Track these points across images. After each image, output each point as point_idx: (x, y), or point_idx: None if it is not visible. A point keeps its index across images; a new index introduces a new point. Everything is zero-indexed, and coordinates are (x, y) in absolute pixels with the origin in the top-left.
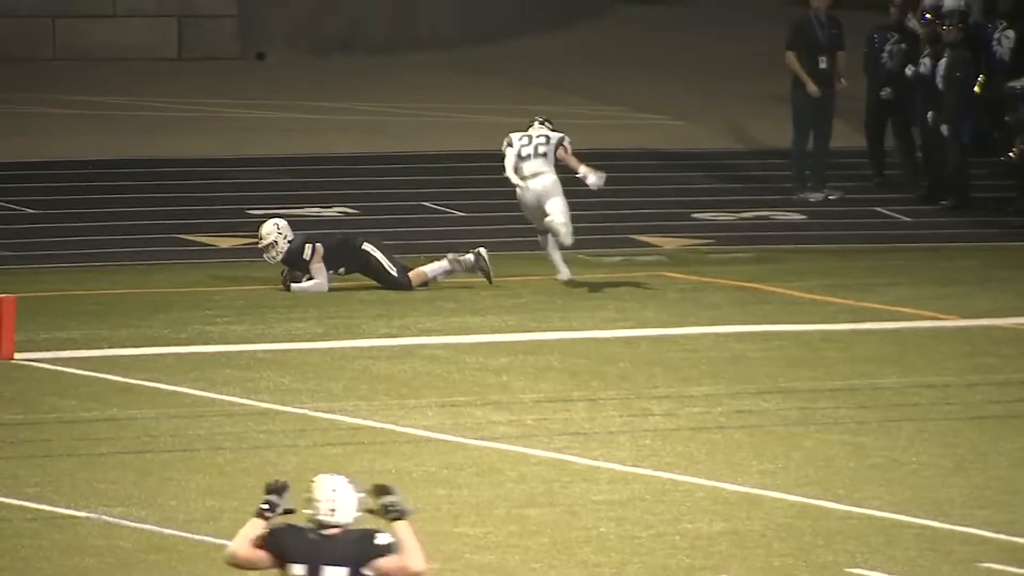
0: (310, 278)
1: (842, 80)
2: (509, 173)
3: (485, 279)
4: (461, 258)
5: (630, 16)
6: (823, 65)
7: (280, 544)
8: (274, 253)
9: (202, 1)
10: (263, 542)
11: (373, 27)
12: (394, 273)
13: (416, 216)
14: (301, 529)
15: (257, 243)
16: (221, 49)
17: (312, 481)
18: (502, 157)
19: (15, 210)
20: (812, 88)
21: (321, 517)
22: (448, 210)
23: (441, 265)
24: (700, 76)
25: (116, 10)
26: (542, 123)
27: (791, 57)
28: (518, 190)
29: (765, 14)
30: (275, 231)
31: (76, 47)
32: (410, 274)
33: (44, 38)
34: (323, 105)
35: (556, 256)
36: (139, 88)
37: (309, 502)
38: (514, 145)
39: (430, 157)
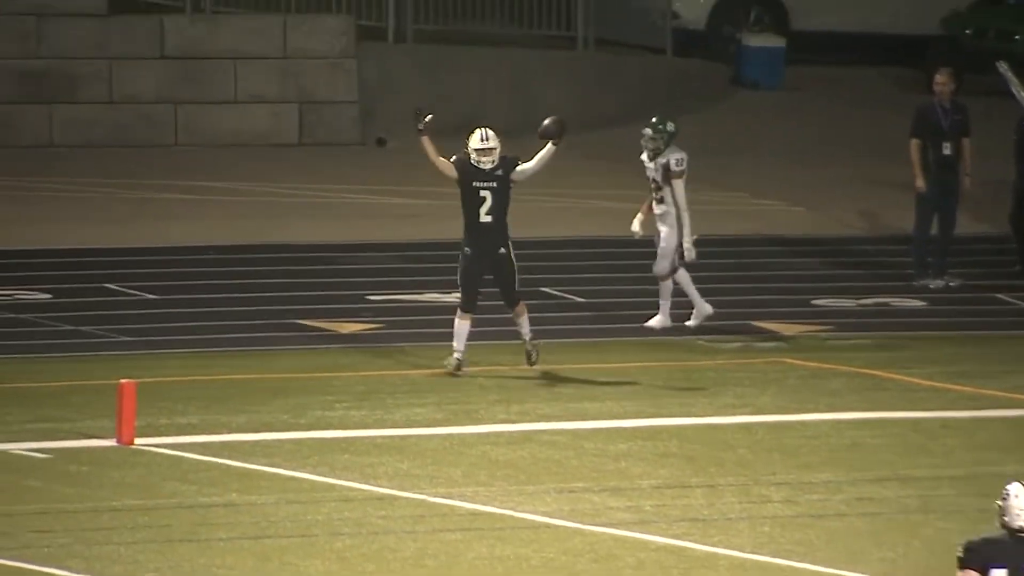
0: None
1: (968, 177)
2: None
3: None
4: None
5: (749, 101)
6: (947, 151)
7: (981, 556)
8: (493, 158)
9: (323, 87)
10: (968, 563)
11: (493, 112)
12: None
13: (537, 302)
14: (995, 538)
15: (478, 144)
16: (341, 135)
17: (1005, 489)
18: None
19: (136, 295)
20: (920, 184)
21: (1020, 523)
22: (569, 296)
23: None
24: (821, 161)
25: (237, 96)
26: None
27: (914, 146)
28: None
29: (886, 99)
30: (497, 139)
31: (198, 133)
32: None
33: (166, 124)
34: (443, 191)
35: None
36: (260, 173)
37: (1004, 511)
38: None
39: (550, 243)
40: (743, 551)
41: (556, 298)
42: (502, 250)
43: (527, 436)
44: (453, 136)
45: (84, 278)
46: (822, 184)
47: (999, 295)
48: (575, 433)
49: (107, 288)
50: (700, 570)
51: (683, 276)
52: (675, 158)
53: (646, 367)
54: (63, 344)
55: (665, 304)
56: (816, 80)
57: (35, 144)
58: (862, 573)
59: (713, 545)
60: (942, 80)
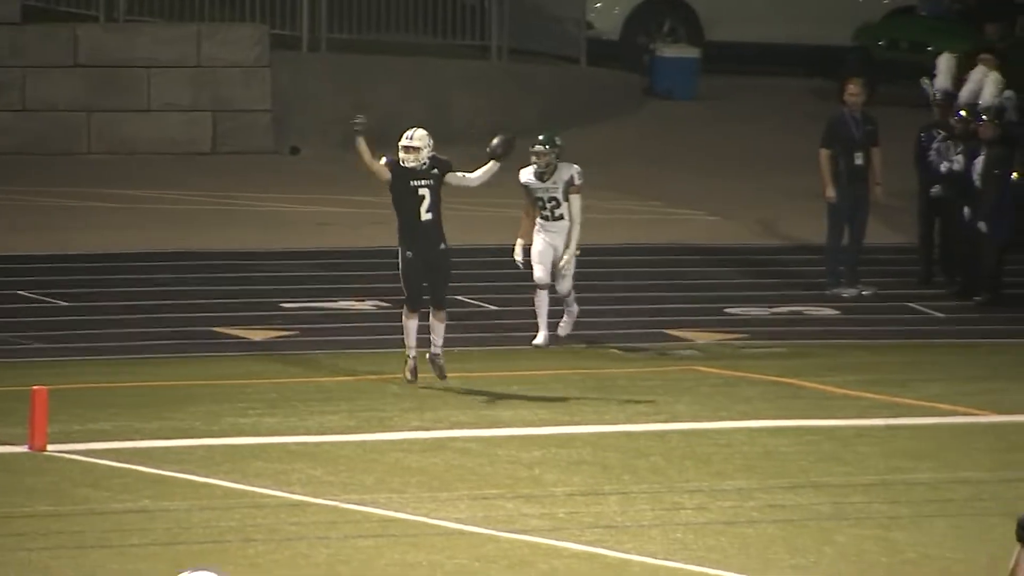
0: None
1: (878, 185)
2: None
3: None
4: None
5: (664, 111)
6: (859, 161)
7: None
8: (417, 157)
9: (237, 96)
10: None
11: (408, 121)
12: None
13: (451, 310)
14: None
15: (404, 142)
16: (255, 143)
17: None
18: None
19: (48, 303)
20: (830, 193)
21: None
22: (482, 304)
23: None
24: (735, 172)
25: (151, 104)
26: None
27: (824, 156)
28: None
29: (799, 109)
30: (428, 140)
31: (111, 140)
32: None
33: (80, 132)
34: (357, 199)
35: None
36: (173, 181)
37: None
38: None
39: (464, 251)
40: (656, 558)
41: (470, 306)
42: (441, 246)
43: (440, 443)
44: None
45: None
46: (736, 193)
47: (912, 304)
48: (489, 440)
49: (20, 295)
50: None
51: (544, 299)
52: (577, 171)
53: (559, 375)
54: None
55: (569, 321)
56: (730, 90)
57: None
58: None
59: (626, 552)
60: (854, 91)
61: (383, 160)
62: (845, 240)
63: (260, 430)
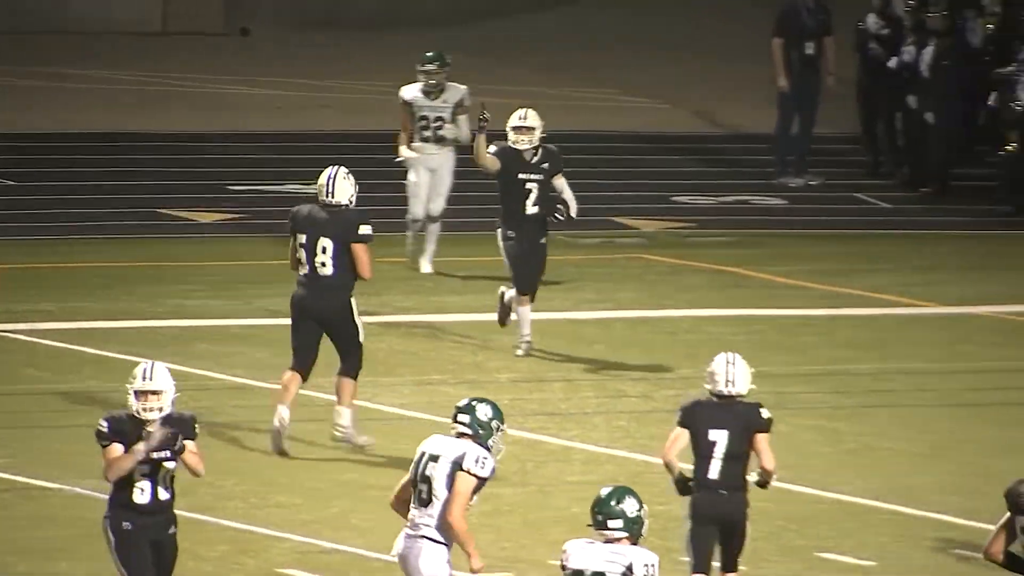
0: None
1: (831, 76)
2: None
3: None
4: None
5: None
6: (809, 51)
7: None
8: (531, 138)
9: None
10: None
11: (360, 4)
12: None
13: (400, 195)
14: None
15: (516, 122)
16: (206, 24)
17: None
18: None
19: None
20: (782, 83)
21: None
22: None
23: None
24: (685, 60)
25: None
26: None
27: (776, 45)
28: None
29: None
30: (539, 120)
31: (60, 19)
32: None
33: (28, 10)
34: (307, 82)
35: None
36: (123, 62)
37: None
38: None
39: None
40: (599, 445)
41: None
42: (543, 240)
43: (385, 328)
44: (318, 28)
45: None
46: (689, 81)
47: (859, 194)
48: (433, 326)
49: None
50: (555, 463)
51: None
52: (466, 92)
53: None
54: None
55: (432, 248)
56: None
57: None
58: None
59: (570, 439)
60: None
61: (491, 149)
62: (794, 129)
63: (204, 312)
